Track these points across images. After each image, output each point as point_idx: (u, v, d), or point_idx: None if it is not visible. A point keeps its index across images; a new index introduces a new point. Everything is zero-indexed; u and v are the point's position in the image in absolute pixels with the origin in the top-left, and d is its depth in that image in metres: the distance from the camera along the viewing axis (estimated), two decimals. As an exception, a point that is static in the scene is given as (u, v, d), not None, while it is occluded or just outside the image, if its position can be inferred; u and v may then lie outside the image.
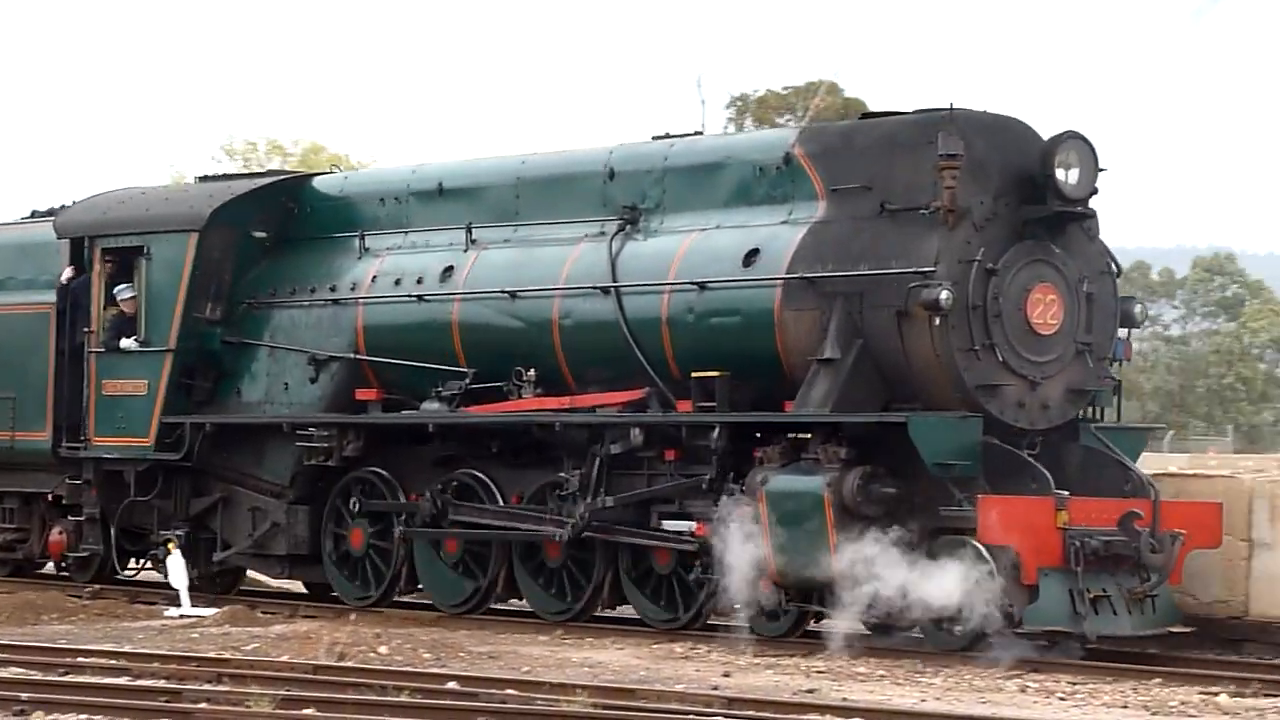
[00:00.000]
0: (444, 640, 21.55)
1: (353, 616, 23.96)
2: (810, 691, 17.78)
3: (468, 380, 23.92)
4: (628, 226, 23.15)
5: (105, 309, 26.83)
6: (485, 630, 22.97)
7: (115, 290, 27.22)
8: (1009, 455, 20.53)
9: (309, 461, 25.07)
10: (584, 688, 16.90)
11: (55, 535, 27.66)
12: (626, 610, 23.65)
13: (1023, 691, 18.33)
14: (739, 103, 69.02)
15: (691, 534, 21.90)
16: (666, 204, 23.10)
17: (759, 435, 21.59)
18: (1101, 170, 21.00)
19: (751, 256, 21.89)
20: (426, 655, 20.41)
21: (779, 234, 21.86)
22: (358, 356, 25.08)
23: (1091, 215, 21.08)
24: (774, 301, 21.59)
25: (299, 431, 25.01)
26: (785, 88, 69.32)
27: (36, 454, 27.58)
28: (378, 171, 26.62)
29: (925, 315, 20.40)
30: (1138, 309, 21.93)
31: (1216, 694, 17.67)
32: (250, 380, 26.29)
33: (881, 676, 19.23)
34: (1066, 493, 20.04)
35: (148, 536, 26.85)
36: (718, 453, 21.63)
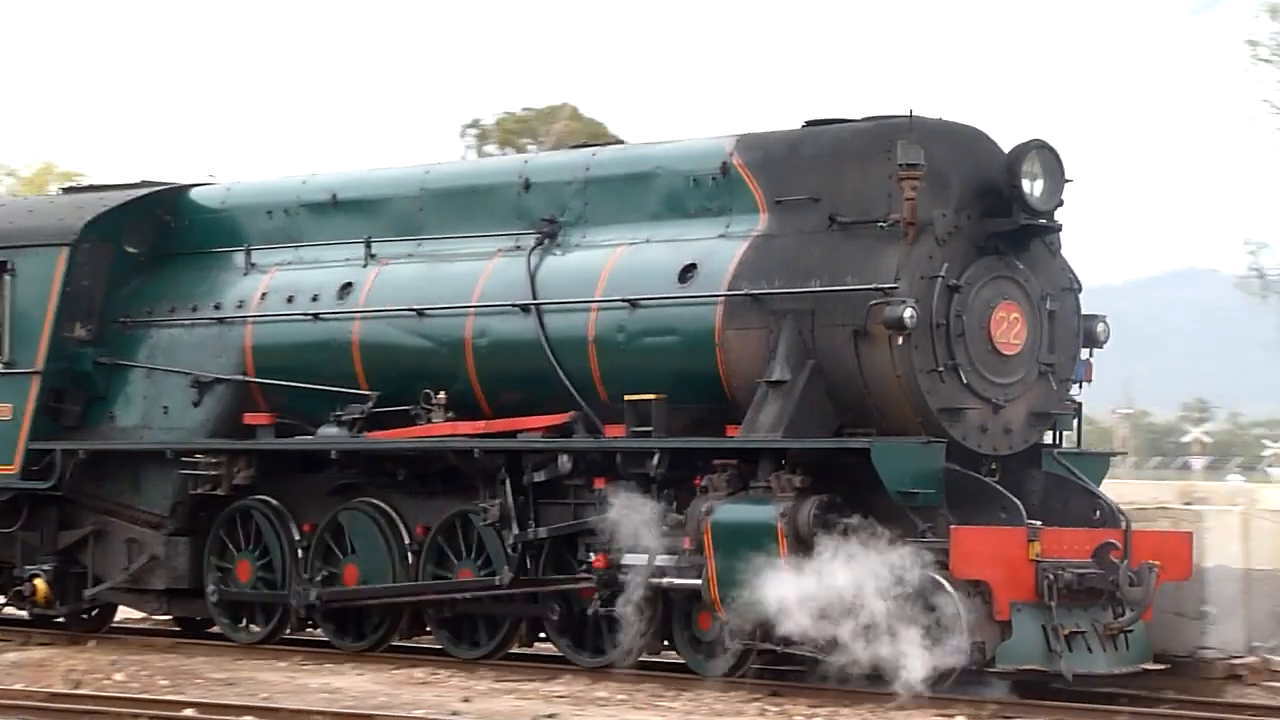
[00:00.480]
0: (180, 667, 20.84)
1: (91, 644, 22.70)
2: (550, 716, 17.38)
3: (370, 404, 21.68)
4: (546, 240, 21.12)
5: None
6: (223, 657, 21.77)
7: None
8: (972, 482, 18.81)
9: (195, 490, 22.81)
10: (322, 713, 16.93)
11: None
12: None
13: (761, 715, 17.63)
14: (473, 128, 65.76)
15: (590, 566, 20.01)
16: (589, 216, 21.08)
17: (698, 463, 19.49)
18: (1068, 181, 19.22)
19: (688, 272, 19.95)
20: (163, 682, 19.72)
21: (717, 248, 19.94)
22: (246, 378, 22.85)
23: (1058, 229, 19.28)
24: (714, 320, 19.64)
25: (184, 459, 22.74)
26: (525, 109, 66.99)
27: None
28: (264, 182, 24.07)
29: (885, 335, 18.56)
30: (1100, 328, 19.92)
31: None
32: (125, 403, 23.90)
33: (622, 701, 18.52)
34: (1039, 523, 18.31)
35: (9, 571, 24.39)
36: (656, 481, 19.59)
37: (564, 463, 20.31)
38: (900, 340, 18.43)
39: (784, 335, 19.00)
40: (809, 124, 19.98)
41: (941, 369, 18.62)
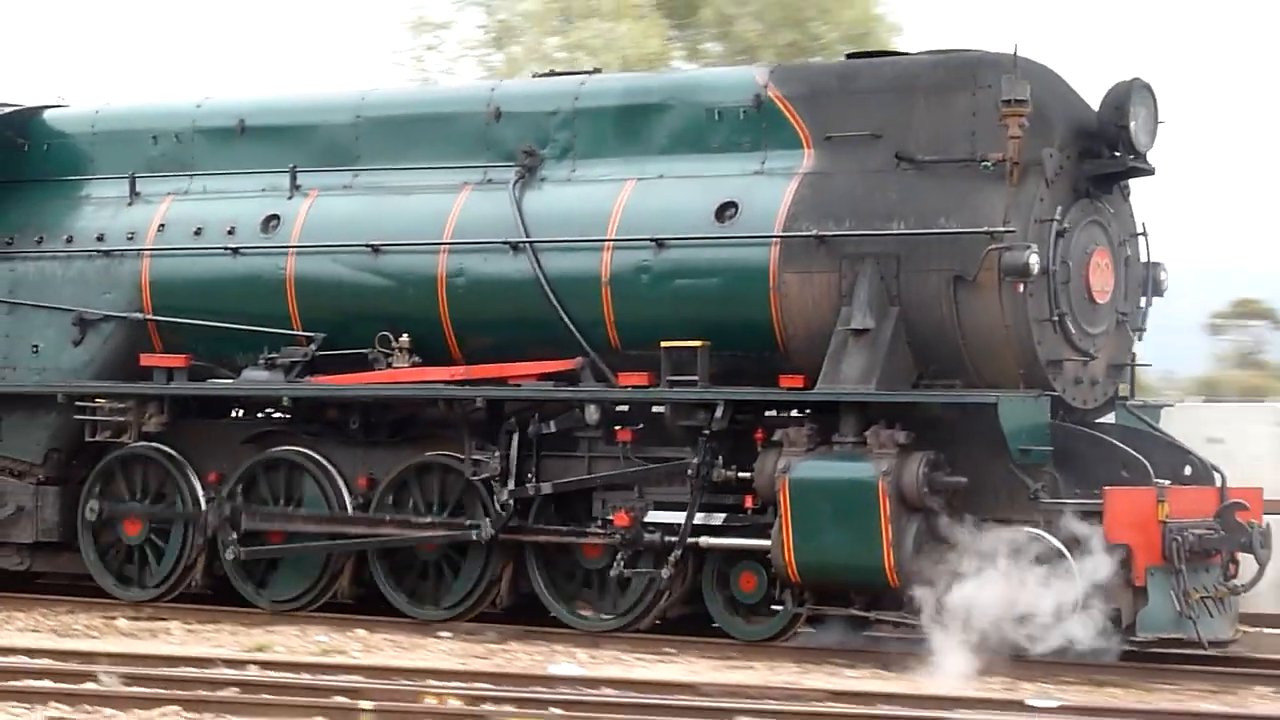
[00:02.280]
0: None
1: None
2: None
3: (314, 346, 17.38)
4: (526, 174, 16.91)
5: None
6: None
7: None
8: (1081, 438, 15.59)
9: (93, 437, 18.11)
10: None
11: None
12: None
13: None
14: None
15: (611, 523, 16.14)
16: (578, 149, 16.98)
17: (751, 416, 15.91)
18: (1161, 123, 15.85)
19: (727, 210, 16.11)
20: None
21: (757, 186, 16.20)
22: (146, 316, 18.07)
23: (1153, 171, 16.04)
24: (768, 262, 15.84)
25: (78, 403, 17.98)
26: None
27: None
28: (147, 105, 19.23)
29: (995, 281, 15.10)
30: (1163, 275, 16.73)
31: None
32: None
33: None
34: (1167, 482, 15.20)
35: None
36: (710, 435, 15.70)
37: (591, 413, 16.31)
38: (1021, 288, 14.98)
39: (865, 280, 15.40)
40: (852, 56, 15.93)
41: (1055, 319, 15.27)
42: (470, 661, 15.20)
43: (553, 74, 17.68)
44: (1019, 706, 13.02)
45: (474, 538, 16.53)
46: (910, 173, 15.53)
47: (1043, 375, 15.19)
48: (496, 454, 16.49)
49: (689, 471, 15.89)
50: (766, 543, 15.38)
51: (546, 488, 16.42)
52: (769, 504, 15.47)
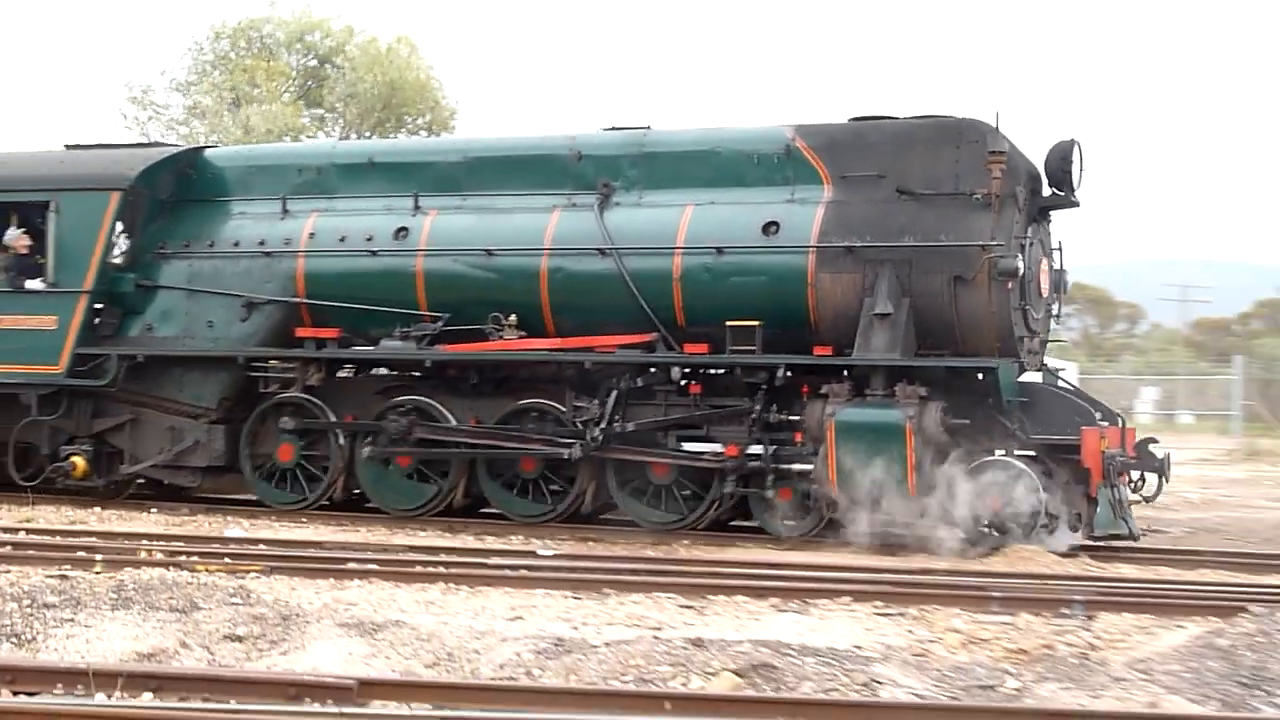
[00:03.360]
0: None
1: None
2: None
3: (441, 323, 14.92)
4: (603, 199, 14.72)
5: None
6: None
7: (6, 236, 16.55)
8: (1044, 393, 14.07)
9: (266, 390, 15.59)
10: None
11: None
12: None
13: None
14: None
15: (722, 454, 14.04)
16: (644, 183, 14.79)
17: (788, 375, 13.84)
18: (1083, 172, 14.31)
19: (770, 227, 14.11)
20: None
21: (792, 210, 14.15)
22: (302, 300, 15.50)
23: (1079, 204, 14.39)
24: (807, 266, 13.88)
25: (254, 363, 15.51)
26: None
27: None
28: (289, 147, 16.96)
29: (986, 279, 13.39)
30: (1068, 277, 15.12)
31: None
32: (163, 318, 16.05)
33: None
34: (1106, 423, 13.55)
35: (37, 451, 16.39)
36: (767, 388, 13.86)
37: (676, 373, 14.31)
38: (1010, 285, 13.34)
39: (885, 279, 13.56)
40: (855, 119, 14.11)
41: (1022, 308, 13.63)
42: (172, 528, 14.31)
43: (615, 128, 15.15)
44: (532, 554, 12.54)
45: (565, 456, 14.36)
46: (909, 202, 13.72)
47: (1013, 347, 13.56)
48: (595, 401, 14.21)
49: (752, 415, 13.75)
50: (807, 467, 13.67)
51: (630, 425, 14.25)
52: (816, 440, 13.38)
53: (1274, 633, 8.60)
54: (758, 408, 13.72)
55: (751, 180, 14.30)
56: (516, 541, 13.94)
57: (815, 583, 11.09)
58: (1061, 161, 13.77)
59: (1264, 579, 12.10)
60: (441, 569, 11.27)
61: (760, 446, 13.83)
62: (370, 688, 7.15)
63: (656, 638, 8.51)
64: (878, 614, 10.23)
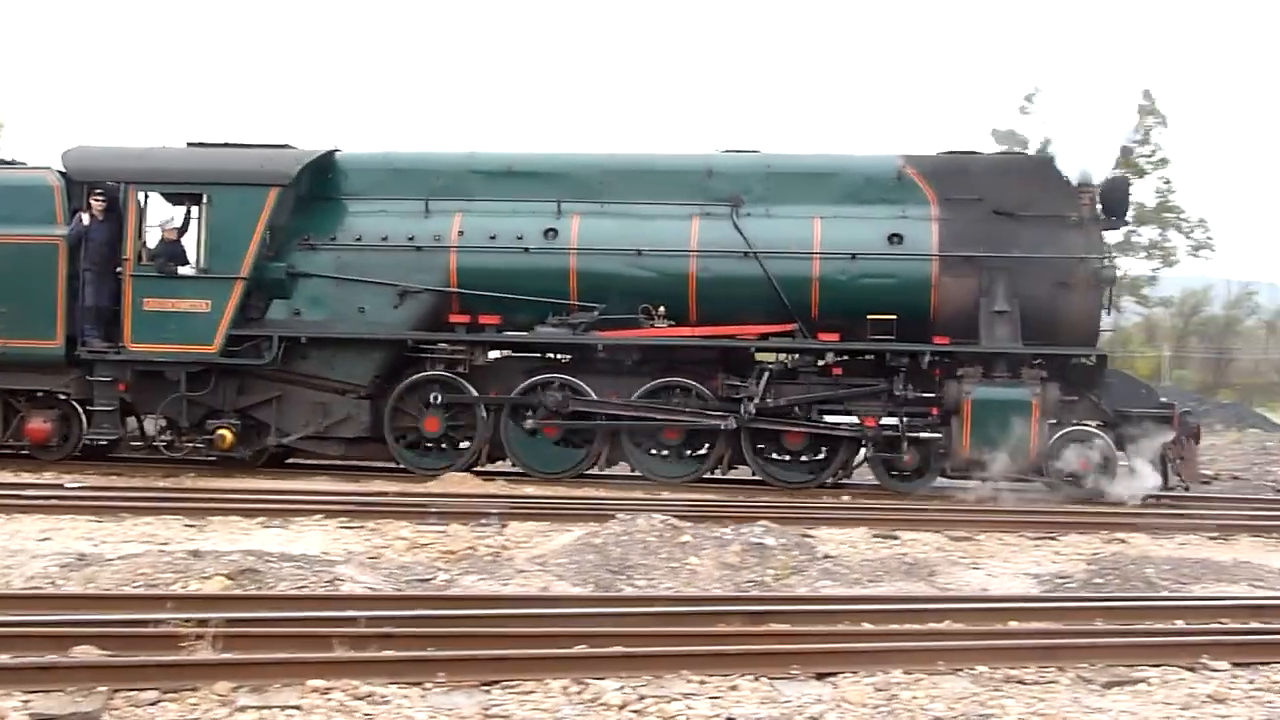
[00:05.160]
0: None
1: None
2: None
3: (597, 313, 16.92)
4: (735, 210, 17.07)
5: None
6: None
7: (162, 223, 17.70)
8: (1116, 376, 17.21)
9: (434, 370, 17.20)
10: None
11: (40, 424, 17.53)
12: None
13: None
14: None
15: (862, 424, 16.67)
16: (770, 198, 17.20)
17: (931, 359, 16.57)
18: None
19: (895, 239, 16.85)
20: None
21: (909, 225, 16.91)
22: (457, 290, 17.18)
23: (1128, 224, 17.28)
24: (931, 271, 16.66)
25: (422, 345, 17.22)
26: None
27: (39, 357, 17.31)
28: (427, 153, 18.05)
29: (1084, 284, 16.51)
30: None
31: None
32: (312, 304, 17.42)
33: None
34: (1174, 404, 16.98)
35: (178, 424, 17.45)
36: (905, 370, 16.60)
37: (830, 357, 16.78)
38: (1106, 290, 16.67)
39: (1000, 283, 16.52)
40: (950, 153, 17.38)
41: (1105, 307, 16.86)
42: None
43: (735, 151, 17.53)
44: (59, 487, 14.79)
45: (722, 427, 16.54)
46: (1007, 221, 16.61)
47: (1095, 340, 16.65)
48: (750, 380, 16.42)
49: (893, 392, 16.36)
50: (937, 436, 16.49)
51: (782, 400, 16.55)
52: (951, 413, 16.02)
53: (634, 533, 11.01)
54: (901, 386, 16.29)
55: (867, 199, 17.01)
56: (48, 477, 15.74)
57: (295, 504, 13.59)
58: (1118, 193, 16.94)
59: (628, 494, 15.36)
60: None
61: (893, 419, 16.40)
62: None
63: (162, 551, 10.24)
64: (343, 527, 12.65)
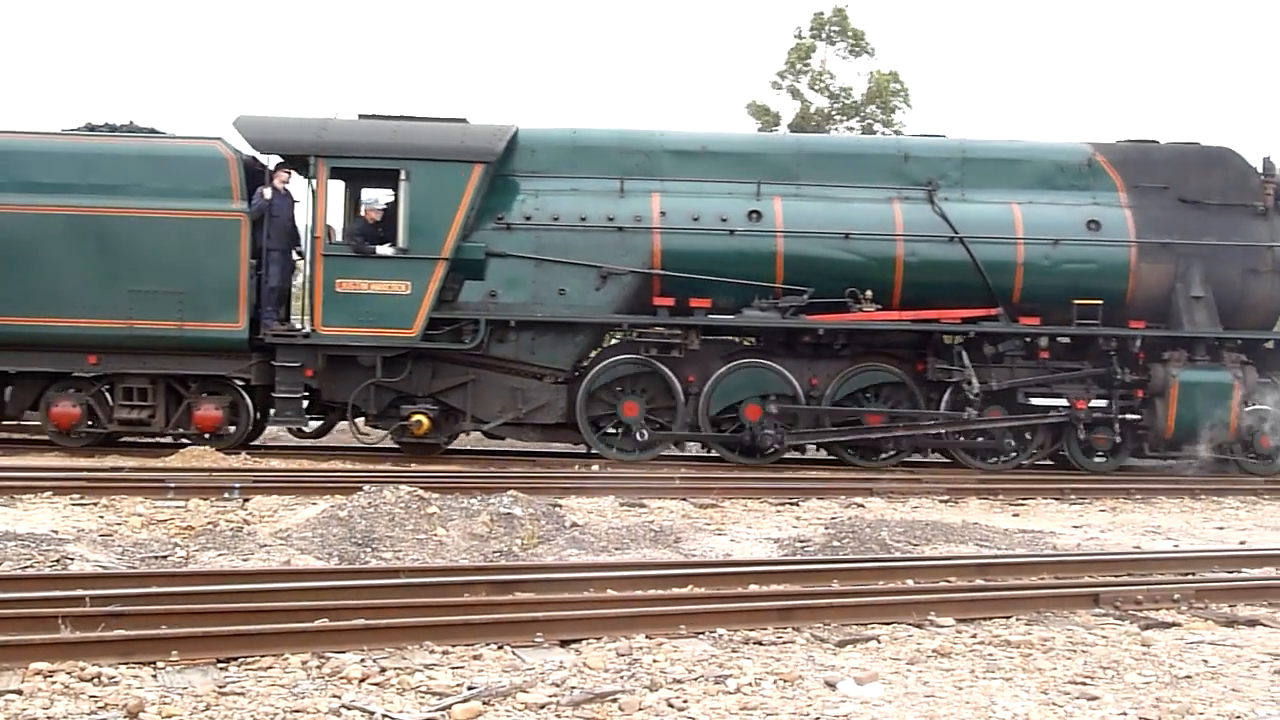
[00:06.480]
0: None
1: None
2: None
3: (807, 297, 17.04)
4: (932, 195, 17.43)
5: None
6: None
7: (365, 202, 17.19)
8: None
9: (646, 354, 17.04)
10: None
11: (210, 411, 16.86)
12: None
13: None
14: None
15: (1072, 407, 17.28)
16: (964, 183, 17.62)
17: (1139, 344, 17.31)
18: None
19: (1092, 224, 17.42)
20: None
21: (1103, 211, 17.54)
22: (658, 272, 17.06)
23: None
24: (1130, 257, 17.34)
25: (638, 329, 17.15)
26: None
27: (220, 341, 16.62)
28: (615, 131, 17.64)
29: (1270, 272, 17.40)
30: None
31: None
32: (509, 285, 17.07)
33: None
34: None
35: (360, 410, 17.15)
36: (1115, 353, 17.26)
37: (1043, 341, 17.27)
38: None
39: (1196, 269, 17.32)
40: (1130, 142, 17.95)
41: None
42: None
43: (930, 135, 17.79)
44: None
45: (965, 416, 17.03)
46: (1194, 209, 17.33)
47: (1275, 322, 17.62)
48: (970, 365, 16.89)
49: (1109, 375, 17.12)
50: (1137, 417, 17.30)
51: (998, 384, 17.09)
52: (1155, 395, 16.72)
53: (380, 505, 11.08)
54: (1118, 370, 16.95)
55: (1059, 185, 17.57)
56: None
57: (23, 481, 13.25)
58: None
59: (376, 466, 15.62)
60: None
61: (1102, 401, 17.05)
62: None
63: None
64: (75, 504, 12.37)
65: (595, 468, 16.24)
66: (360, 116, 17.24)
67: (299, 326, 17.05)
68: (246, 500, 12.69)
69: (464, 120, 17.26)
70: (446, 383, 16.97)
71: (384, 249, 16.77)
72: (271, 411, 17.01)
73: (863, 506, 13.92)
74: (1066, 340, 17.24)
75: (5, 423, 17.17)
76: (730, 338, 17.56)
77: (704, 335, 17.22)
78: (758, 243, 17.00)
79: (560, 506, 12.30)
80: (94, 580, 8.53)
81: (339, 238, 16.97)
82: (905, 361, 17.29)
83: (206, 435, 16.81)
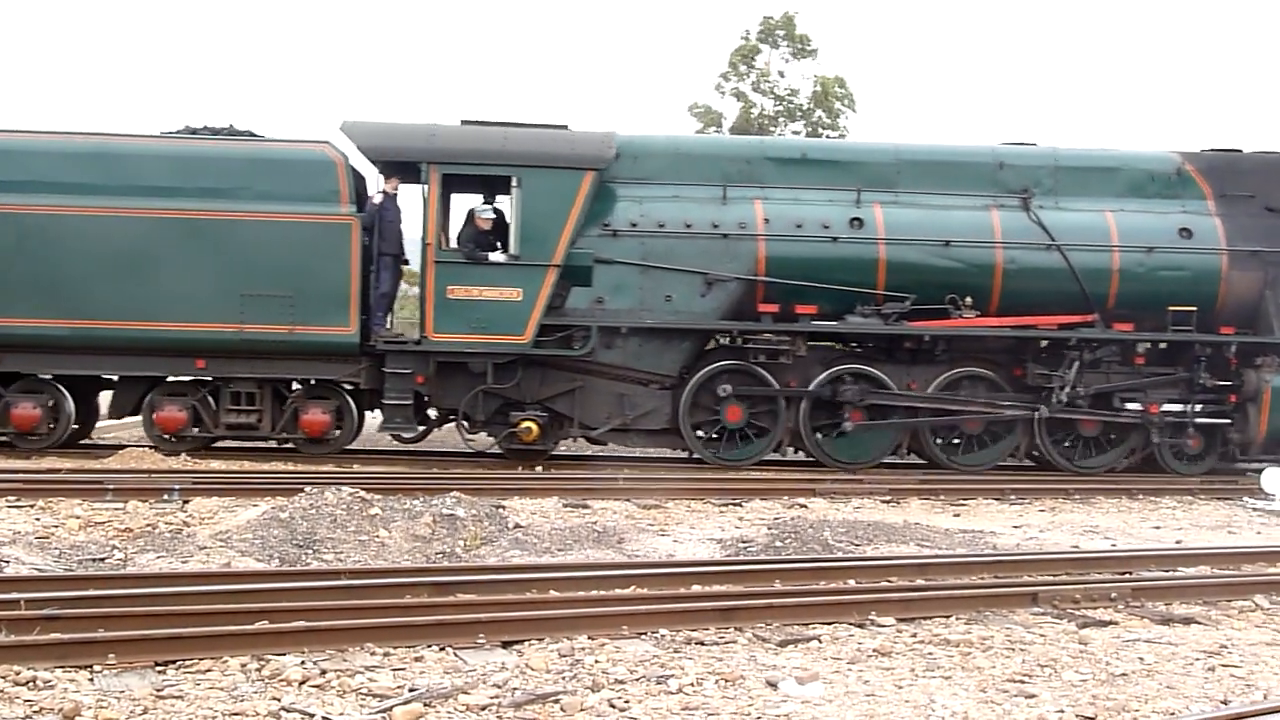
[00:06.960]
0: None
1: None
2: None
3: (909, 303, 17.33)
4: (1026, 203, 17.73)
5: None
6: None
7: (477, 210, 17.15)
8: None
9: (755, 360, 17.26)
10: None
11: (318, 415, 16.91)
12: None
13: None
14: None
15: (1146, 410, 17.70)
16: (1058, 191, 17.96)
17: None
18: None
19: (1185, 233, 17.83)
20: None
21: (1194, 219, 17.97)
22: (763, 279, 17.24)
23: None
24: (1221, 264, 17.75)
25: (746, 335, 17.26)
26: None
27: (330, 345, 16.66)
28: (716, 139, 18.09)
29: None
30: None
31: None
32: (615, 292, 17.25)
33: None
34: None
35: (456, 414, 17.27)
36: (1205, 359, 17.64)
37: (1142, 346, 17.63)
38: None
39: None
40: (1216, 150, 18.33)
41: None
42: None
43: (1017, 143, 18.07)
44: None
45: (1036, 415, 17.33)
46: (1278, 218, 17.64)
47: None
48: (1066, 371, 17.23)
49: (1195, 381, 17.46)
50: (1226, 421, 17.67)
51: (1090, 389, 17.43)
52: (1248, 400, 17.15)
53: (322, 506, 11.12)
54: (1198, 375, 17.31)
55: (1150, 193, 17.95)
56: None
57: None
58: None
59: (317, 467, 15.78)
60: None
61: (1179, 405, 17.53)
62: None
63: None
64: (11, 506, 12.26)
65: (539, 469, 16.37)
66: (463, 123, 17.33)
67: (401, 333, 17.15)
68: (186, 502, 12.70)
69: (565, 127, 17.38)
70: (554, 389, 17.13)
71: (495, 255, 16.92)
72: (375, 416, 17.11)
73: (805, 507, 14.11)
74: (1164, 346, 17.62)
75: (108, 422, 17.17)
76: (831, 344, 17.80)
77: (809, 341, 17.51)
78: (860, 249, 17.23)
79: (504, 508, 12.31)
80: (30, 583, 8.55)
81: (450, 244, 17.05)
82: (1001, 366, 17.62)
83: (311, 440, 16.93)
